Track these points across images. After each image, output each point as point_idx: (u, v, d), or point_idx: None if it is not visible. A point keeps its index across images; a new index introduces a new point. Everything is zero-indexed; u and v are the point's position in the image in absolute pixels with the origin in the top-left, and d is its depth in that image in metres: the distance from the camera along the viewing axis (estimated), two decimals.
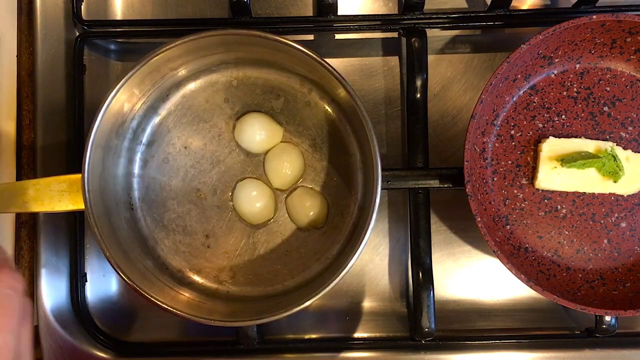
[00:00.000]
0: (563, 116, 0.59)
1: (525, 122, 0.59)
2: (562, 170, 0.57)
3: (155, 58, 0.52)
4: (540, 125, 0.59)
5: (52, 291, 0.60)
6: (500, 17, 0.60)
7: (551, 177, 0.58)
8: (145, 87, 0.57)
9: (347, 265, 0.51)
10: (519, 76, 0.58)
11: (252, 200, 0.59)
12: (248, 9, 0.59)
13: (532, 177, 0.59)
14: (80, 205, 0.53)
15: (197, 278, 0.60)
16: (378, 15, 0.63)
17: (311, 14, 0.64)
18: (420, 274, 0.57)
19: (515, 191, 0.59)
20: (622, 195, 0.59)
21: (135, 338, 0.63)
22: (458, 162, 0.55)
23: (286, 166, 0.59)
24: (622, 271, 0.58)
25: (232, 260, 0.60)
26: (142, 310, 0.63)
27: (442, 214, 0.63)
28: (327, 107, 0.60)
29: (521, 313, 0.62)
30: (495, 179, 0.59)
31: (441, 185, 0.57)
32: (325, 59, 0.52)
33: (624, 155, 0.57)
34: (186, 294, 0.58)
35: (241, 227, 0.60)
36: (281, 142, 0.60)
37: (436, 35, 0.63)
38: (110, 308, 0.63)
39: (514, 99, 0.59)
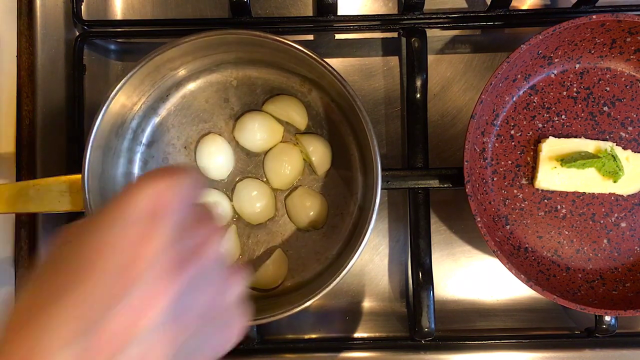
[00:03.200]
0: (563, 116, 0.59)
1: (525, 122, 0.59)
2: (562, 170, 0.57)
3: (155, 58, 0.52)
4: (540, 125, 0.59)
5: None
6: (500, 17, 0.60)
7: (551, 177, 0.58)
8: (145, 87, 0.57)
9: (347, 265, 0.51)
10: (519, 76, 0.58)
11: (252, 200, 0.59)
12: (248, 9, 0.59)
13: (532, 177, 0.59)
14: (80, 206, 0.53)
15: None
16: (378, 15, 0.63)
17: (311, 14, 0.64)
18: (420, 274, 0.57)
19: (515, 191, 0.59)
20: (622, 195, 0.59)
21: None
22: (458, 162, 0.55)
23: (286, 166, 0.59)
24: (622, 271, 0.58)
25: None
26: None
27: (442, 214, 0.63)
28: (327, 108, 0.60)
29: (521, 313, 0.62)
30: (495, 179, 0.59)
31: (441, 185, 0.57)
32: (325, 59, 0.52)
33: (624, 155, 0.57)
34: None
35: (241, 227, 0.60)
36: (281, 142, 0.60)
37: (436, 35, 0.63)
38: None
39: (514, 99, 0.59)
